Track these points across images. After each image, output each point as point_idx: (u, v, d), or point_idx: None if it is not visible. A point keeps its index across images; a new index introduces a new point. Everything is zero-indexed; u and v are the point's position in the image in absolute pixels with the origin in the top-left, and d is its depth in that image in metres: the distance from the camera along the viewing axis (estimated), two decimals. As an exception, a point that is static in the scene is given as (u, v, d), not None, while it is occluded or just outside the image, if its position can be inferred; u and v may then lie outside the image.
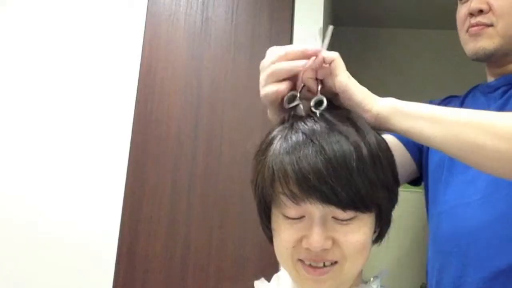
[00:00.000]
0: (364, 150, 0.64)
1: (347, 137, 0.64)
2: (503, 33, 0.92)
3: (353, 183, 0.62)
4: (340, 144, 0.63)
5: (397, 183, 0.70)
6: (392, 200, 0.70)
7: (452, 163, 0.95)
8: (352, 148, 0.63)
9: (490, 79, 1.04)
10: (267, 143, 0.69)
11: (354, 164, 0.62)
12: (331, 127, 0.65)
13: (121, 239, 1.64)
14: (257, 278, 0.80)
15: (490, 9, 0.93)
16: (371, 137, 0.66)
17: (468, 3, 0.96)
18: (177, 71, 1.76)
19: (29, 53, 1.79)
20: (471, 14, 0.94)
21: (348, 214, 0.64)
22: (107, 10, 1.82)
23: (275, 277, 0.78)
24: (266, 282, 0.78)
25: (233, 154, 1.68)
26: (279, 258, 0.70)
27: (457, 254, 0.90)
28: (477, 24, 0.94)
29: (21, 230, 1.66)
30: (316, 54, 0.69)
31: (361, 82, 0.75)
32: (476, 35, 0.95)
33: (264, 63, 0.71)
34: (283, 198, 0.64)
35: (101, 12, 1.82)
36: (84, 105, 1.75)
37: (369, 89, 0.77)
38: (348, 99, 0.71)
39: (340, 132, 0.64)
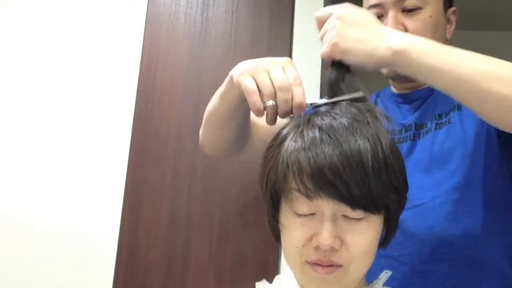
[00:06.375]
0: (380, 151, 0.64)
1: (364, 136, 0.64)
2: None
3: (367, 182, 0.62)
4: (357, 142, 0.63)
5: (406, 188, 0.70)
6: (401, 204, 0.70)
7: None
8: (369, 148, 0.63)
9: (395, 90, 1.10)
10: (281, 139, 0.69)
11: (370, 164, 0.62)
12: (348, 125, 0.65)
13: (121, 239, 1.64)
14: (257, 278, 0.80)
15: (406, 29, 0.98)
16: (386, 139, 0.66)
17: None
18: (177, 71, 1.76)
19: (29, 53, 1.79)
20: None
21: (358, 213, 0.64)
22: (107, 10, 1.82)
23: (276, 278, 0.78)
24: (267, 283, 0.78)
25: (233, 154, 1.68)
26: (286, 257, 0.70)
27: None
28: None
29: (20, 229, 1.65)
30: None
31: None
32: None
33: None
34: (296, 193, 0.64)
35: (101, 12, 1.82)
36: (84, 105, 1.75)
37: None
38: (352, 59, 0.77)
39: (358, 130, 0.64)
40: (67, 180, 1.69)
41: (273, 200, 0.69)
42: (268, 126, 0.79)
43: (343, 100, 0.74)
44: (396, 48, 0.74)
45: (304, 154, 0.63)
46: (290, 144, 0.66)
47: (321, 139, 0.63)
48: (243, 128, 0.98)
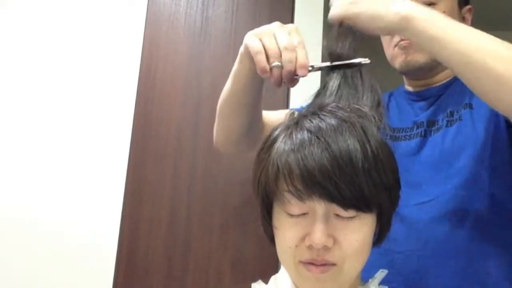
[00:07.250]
0: (369, 151, 0.64)
1: (353, 136, 0.64)
2: None
3: (357, 182, 0.62)
4: (346, 142, 0.63)
5: (398, 186, 0.70)
6: (393, 202, 0.70)
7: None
8: (358, 147, 0.63)
9: (410, 88, 1.11)
10: (272, 141, 0.69)
11: (360, 164, 0.62)
12: (336, 126, 0.65)
13: (121, 239, 1.64)
14: (257, 278, 0.80)
15: None
16: (375, 138, 0.66)
17: None
18: (177, 71, 1.76)
19: (29, 53, 1.79)
20: None
21: (350, 212, 0.64)
22: (107, 10, 1.82)
23: (272, 278, 0.79)
24: (263, 284, 0.78)
25: (233, 154, 1.68)
26: (281, 257, 0.70)
27: None
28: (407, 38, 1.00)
29: (20, 229, 1.66)
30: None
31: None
32: (407, 48, 1.02)
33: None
34: (287, 195, 0.64)
35: (101, 12, 1.82)
36: (84, 105, 1.75)
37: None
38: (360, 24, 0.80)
39: (346, 131, 0.64)
40: (67, 180, 1.69)
41: (265, 202, 0.70)
42: None
43: (343, 64, 0.79)
44: (403, 14, 0.76)
45: (293, 156, 0.63)
46: (279, 146, 0.66)
47: (310, 141, 0.64)
48: (254, 116, 1.01)
